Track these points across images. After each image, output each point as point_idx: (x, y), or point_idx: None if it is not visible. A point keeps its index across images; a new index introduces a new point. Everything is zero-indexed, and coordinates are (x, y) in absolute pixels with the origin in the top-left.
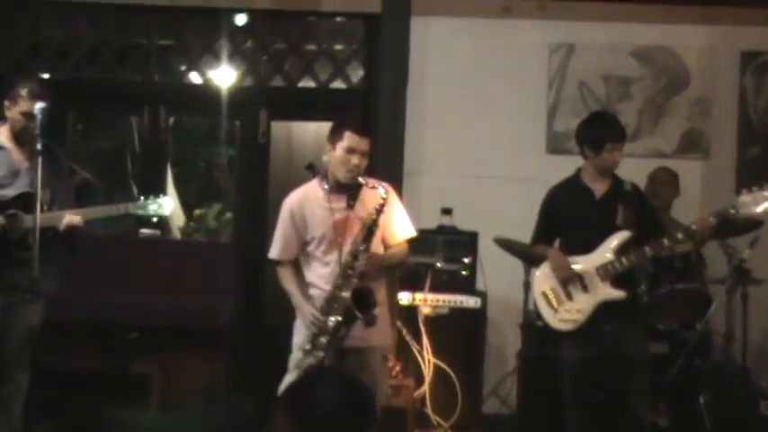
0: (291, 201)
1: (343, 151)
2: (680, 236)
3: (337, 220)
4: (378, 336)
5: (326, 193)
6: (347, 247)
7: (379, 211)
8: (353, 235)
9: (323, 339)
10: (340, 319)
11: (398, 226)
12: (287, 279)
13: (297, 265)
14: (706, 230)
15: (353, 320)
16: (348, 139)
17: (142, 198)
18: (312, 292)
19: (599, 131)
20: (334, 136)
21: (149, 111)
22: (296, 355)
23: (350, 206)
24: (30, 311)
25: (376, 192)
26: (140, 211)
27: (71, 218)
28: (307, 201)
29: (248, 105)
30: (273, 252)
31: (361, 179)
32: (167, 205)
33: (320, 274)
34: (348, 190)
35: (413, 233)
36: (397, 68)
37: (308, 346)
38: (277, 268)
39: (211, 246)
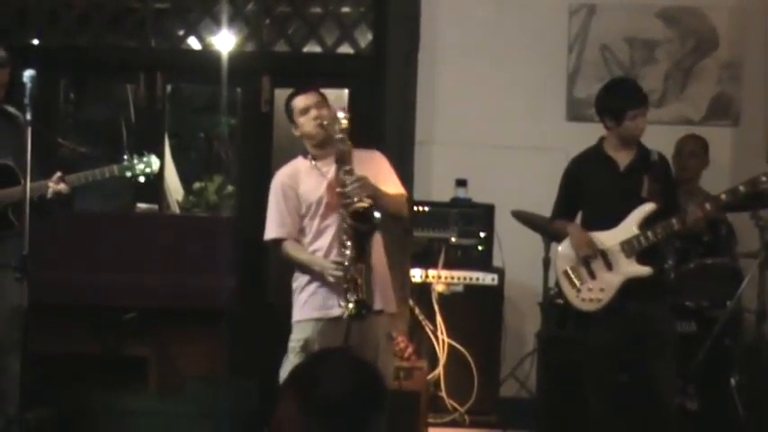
0: (281, 175)
1: (301, 115)
2: (708, 206)
3: (331, 180)
4: (380, 298)
5: (312, 161)
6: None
7: (347, 119)
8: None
9: (353, 271)
10: (353, 245)
11: (390, 182)
12: (297, 250)
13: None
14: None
15: (365, 239)
16: (296, 104)
17: (126, 158)
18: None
19: (618, 98)
20: (288, 113)
21: (145, 78)
22: (296, 335)
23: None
24: (18, 292)
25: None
26: (128, 173)
27: (57, 186)
28: (296, 173)
29: (250, 72)
30: (270, 231)
31: (341, 115)
32: (155, 162)
33: (319, 246)
34: (334, 153)
35: (403, 191)
36: (408, 32)
37: (349, 295)
38: (281, 246)
39: (212, 221)
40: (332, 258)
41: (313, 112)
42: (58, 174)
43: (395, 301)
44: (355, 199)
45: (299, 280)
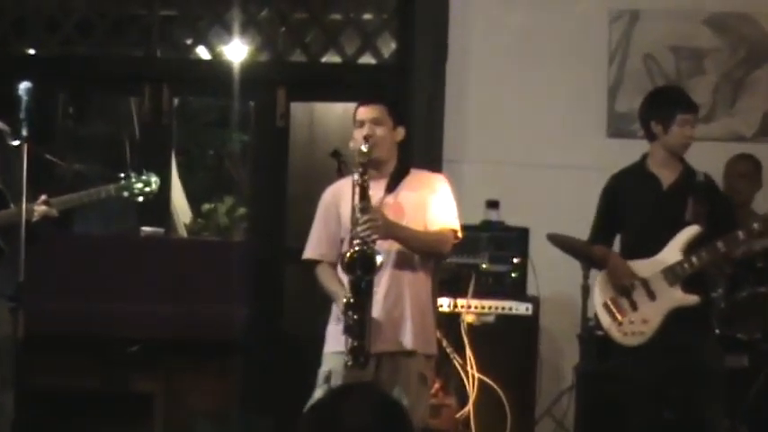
0: (326, 192)
1: (356, 128)
2: (756, 226)
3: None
4: (414, 338)
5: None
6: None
7: (364, 164)
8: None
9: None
10: (350, 290)
11: (441, 211)
12: (327, 279)
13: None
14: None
15: (359, 285)
16: (356, 113)
17: (123, 176)
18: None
19: (666, 102)
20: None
21: (150, 91)
22: (322, 368)
23: (389, 190)
24: (9, 321)
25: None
26: (124, 193)
27: (44, 209)
28: (342, 193)
29: (264, 84)
30: (306, 251)
31: (363, 147)
32: (155, 181)
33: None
34: (388, 175)
35: (456, 226)
36: (435, 41)
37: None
38: (315, 269)
39: (223, 245)
40: (343, 298)
41: (366, 129)
42: (43, 197)
43: (435, 342)
44: (356, 242)
45: (333, 310)
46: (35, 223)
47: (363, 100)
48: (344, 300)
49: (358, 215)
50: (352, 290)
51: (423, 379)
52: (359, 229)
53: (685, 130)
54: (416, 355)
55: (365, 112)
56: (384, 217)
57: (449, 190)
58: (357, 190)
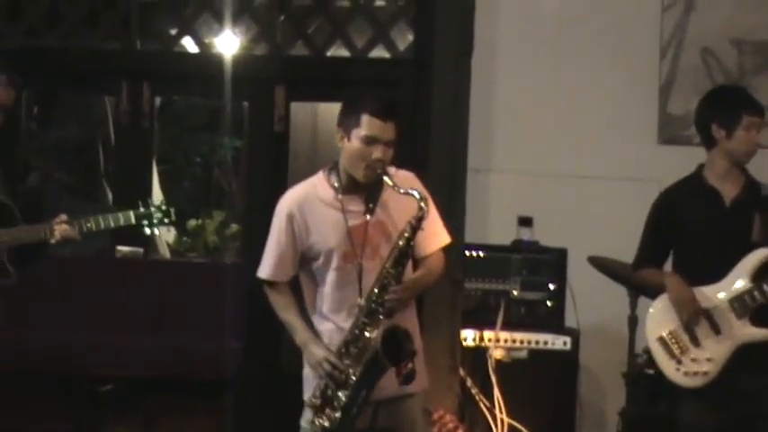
0: (289, 203)
1: (361, 141)
2: None
3: (352, 227)
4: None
5: (337, 192)
6: (368, 267)
7: (416, 227)
8: (375, 249)
9: (341, 395)
10: (362, 371)
11: (430, 231)
12: (285, 307)
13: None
14: None
15: (381, 374)
16: (367, 125)
17: (141, 204)
18: (321, 325)
19: (730, 103)
20: (348, 121)
21: (128, 89)
22: (308, 416)
23: (369, 210)
24: None
25: (408, 196)
26: (144, 222)
27: (65, 229)
28: (310, 203)
29: (260, 81)
30: (263, 270)
31: (387, 179)
32: (173, 212)
33: (331, 304)
34: (366, 189)
35: (447, 239)
36: (459, 31)
37: (317, 401)
38: (268, 292)
39: (212, 268)
40: (327, 355)
41: (377, 152)
42: (63, 216)
43: (427, 373)
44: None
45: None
46: (47, 245)
47: (378, 110)
48: (328, 363)
49: (391, 274)
50: (370, 366)
51: (426, 413)
52: (389, 297)
53: (752, 135)
54: (417, 394)
55: (387, 131)
56: (411, 283)
57: (425, 192)
58: (394, 253)
